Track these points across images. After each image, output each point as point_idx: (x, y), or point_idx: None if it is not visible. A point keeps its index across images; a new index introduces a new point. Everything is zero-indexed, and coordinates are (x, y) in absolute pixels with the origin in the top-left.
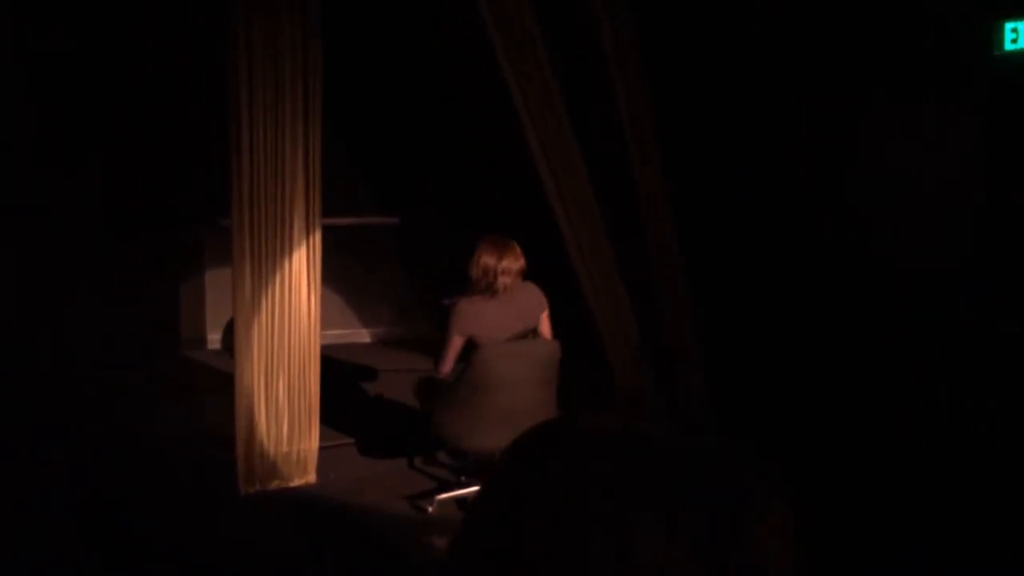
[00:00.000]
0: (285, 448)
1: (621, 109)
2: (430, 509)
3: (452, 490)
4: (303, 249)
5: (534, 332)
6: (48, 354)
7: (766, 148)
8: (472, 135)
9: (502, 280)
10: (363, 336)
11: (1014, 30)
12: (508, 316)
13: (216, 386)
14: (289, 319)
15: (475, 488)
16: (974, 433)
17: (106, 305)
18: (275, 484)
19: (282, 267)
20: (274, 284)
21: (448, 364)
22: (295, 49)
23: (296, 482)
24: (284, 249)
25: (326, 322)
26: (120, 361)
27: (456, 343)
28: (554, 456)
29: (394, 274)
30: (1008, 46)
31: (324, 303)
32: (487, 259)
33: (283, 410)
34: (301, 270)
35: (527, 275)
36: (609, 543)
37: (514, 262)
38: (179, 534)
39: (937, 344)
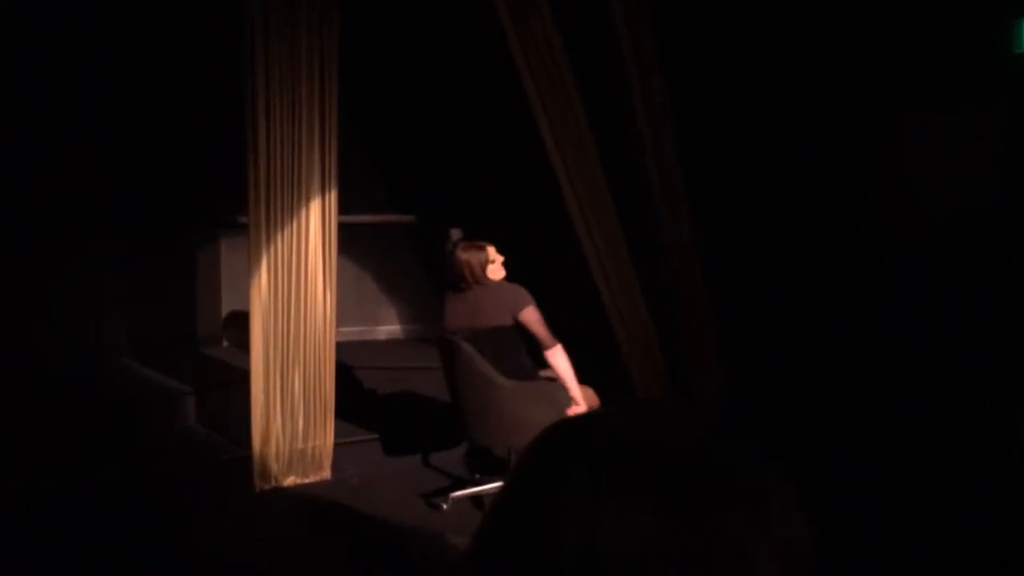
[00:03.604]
0: (300, 444)
1: (637, 108)
2: (444, 507)
3: (467, 488)
4: (319, 246)
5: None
6: (64, 351)
7: (784, 153)
8: (489, 134)
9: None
10: (378, 333)
11: None
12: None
13: (232, 383)
14: (304, 316)
15: (489, 486)
16: (981, 437)
17: (122, 302)
18: (290, 480)
19: (298, 264)
20: (290, 281)
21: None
22: (312, 47)
23: (311, 478)
24: (300, 246)
25: (341, 319)
26: (136, 358)
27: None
28: (561, 455)
29: (410, 272)
30: None
31: (339, 300)
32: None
33: (298, 407)
34: (317, 267)
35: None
36: (579, 536)
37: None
38: (194, 530)
39: (956, 351)
